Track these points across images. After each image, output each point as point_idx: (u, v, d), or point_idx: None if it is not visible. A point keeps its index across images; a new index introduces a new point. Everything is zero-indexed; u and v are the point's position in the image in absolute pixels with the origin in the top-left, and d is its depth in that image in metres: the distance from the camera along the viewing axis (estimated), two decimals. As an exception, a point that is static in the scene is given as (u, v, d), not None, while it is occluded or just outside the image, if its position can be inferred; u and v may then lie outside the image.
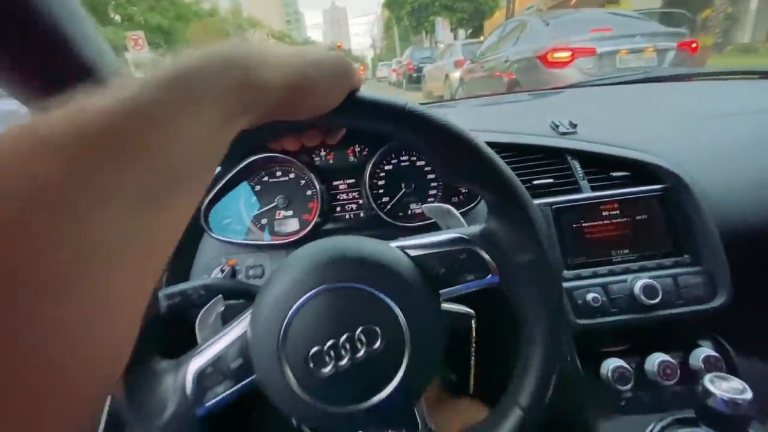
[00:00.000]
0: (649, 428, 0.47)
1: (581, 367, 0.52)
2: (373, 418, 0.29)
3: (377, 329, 0.28)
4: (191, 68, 0.18)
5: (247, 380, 0.31)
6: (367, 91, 0.28)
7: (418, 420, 0.34)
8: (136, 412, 0.29)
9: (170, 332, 0.42)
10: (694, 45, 3.33)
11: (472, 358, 0.54)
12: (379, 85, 19.61)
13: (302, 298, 0.28)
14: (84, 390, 0.14)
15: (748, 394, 0.37)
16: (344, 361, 0.28)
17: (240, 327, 0.31)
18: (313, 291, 0.29)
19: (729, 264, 0.52)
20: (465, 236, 0.33)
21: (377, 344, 0.28)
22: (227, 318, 0.38)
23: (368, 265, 0.29)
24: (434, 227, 0.57)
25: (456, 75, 6.02)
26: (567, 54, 3.24)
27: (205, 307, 0.39)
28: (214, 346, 0.31)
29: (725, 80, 0.90)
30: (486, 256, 0.32)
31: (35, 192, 0.12)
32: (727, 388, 0.38)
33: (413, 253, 0.32)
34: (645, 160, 0.58)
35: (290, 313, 0.28)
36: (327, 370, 0.28)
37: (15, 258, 0.11)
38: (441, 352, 0.32)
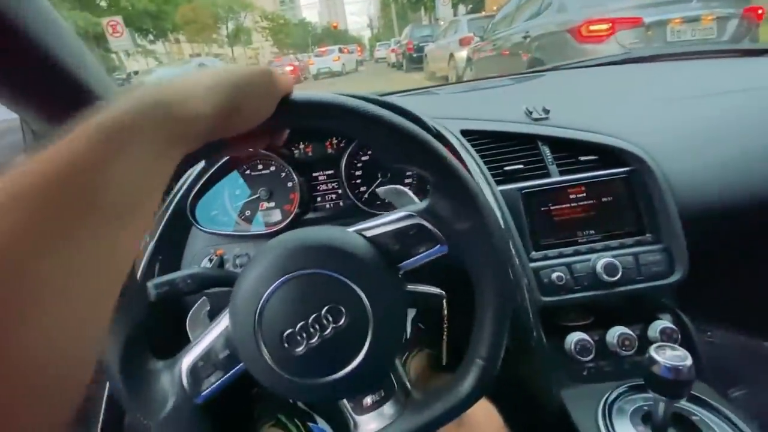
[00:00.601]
0: (606, 395, 0.52)
1: (546, 341, 0.56)
2: (346, 386, 0.33)
3: (341, 308, 0.32)
4: (115, 116, 0.20)
5: (236, 368, 0.35)
6: (300, 92, 0.30)
7: (395, 384, 0.38)
8: (139, 410, 0.33)
9: (163, 336, 0.46)
10: (760, 12, 2.74)
11: (445, 334, 0.58)
12: (378, 67, 18.90)
13: (271, 287, 0.32)
14: (48, 407, 0.16)
15: (688, 361, 0.41)
16: (315, 339, 0.32)
17: (223, 322, 0.35)
18: (280, 279, 0.32)
19: (687, 242, 0.55)
20: (412, 212, 0.35)
21: (342, 321, 0.32)
22: (214, 315, 0.41)
23: (326, 250, 0.33)
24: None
25: (462, 54, 5.67)
26: (606, 26, 2.66)
27: (193, 308, 0.42)
28: (203, 341, 0.35)
29: (704, 59, 0.91)
30: (432, 228, 0.35)
31: None
32: (669, 356, 0.42)
33: (369, 234, 0.35)
34: (611, 144, 0.60)
35: (261, 301, 0.32)
36: (300, 349, 0.32)
37: None
38: (404, 322, 0.35)
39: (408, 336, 0.87)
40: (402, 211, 0.36)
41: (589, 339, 0.56)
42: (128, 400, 0.33)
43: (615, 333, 0.56)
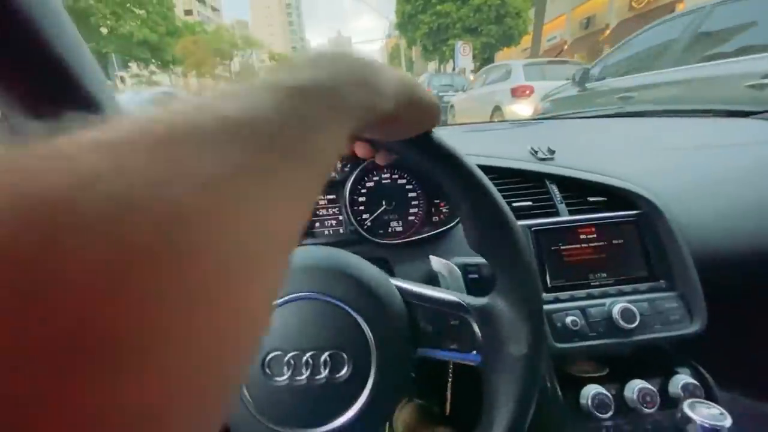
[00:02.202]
0: None
1: (561, 394, 0.52)
2: None
3: (345, 357, 0.28)
4: (317, 81, 0.18)
5: None
6: (435, 132, 0.29)
7: None
8: None
9: None
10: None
11: (449, 391, 0.53)
12: None
13: (286, 297, 0.28)
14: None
15: (728, 421, 0.38)
16: (302, 377, 0.28)
17: None
18: (299, 293, 0.29)
19: (704, 291, 0.54)
20: (465, 304, 0.32)
21: (341, 373, 0.28)
22: None
23: (362, 288, 0.30)
24: (414, 246, 0.58)
25: (516, 108, 4.75)
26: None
27: None
28: None
29: (692, 117, 0.96)
30: (478, 333, 0.32)
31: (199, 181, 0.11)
32: (706, 414, 0.39)
33: (408, 297, 0.32)
34: (619, 186, 0.61)
35: None
36: (282, 380, 0.28)
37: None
38: (400, 397, 0.31)
39: None
40: (454, 295, 0.33)
41: (607, 393, 0.51)
42: None
43: (634, 387, 0.52)
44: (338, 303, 0.29)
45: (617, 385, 0.53)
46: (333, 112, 0.17)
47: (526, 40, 15.25)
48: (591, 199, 0.62)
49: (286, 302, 0.29)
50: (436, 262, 0.43)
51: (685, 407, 0.39)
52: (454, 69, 15.95)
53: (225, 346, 0.12)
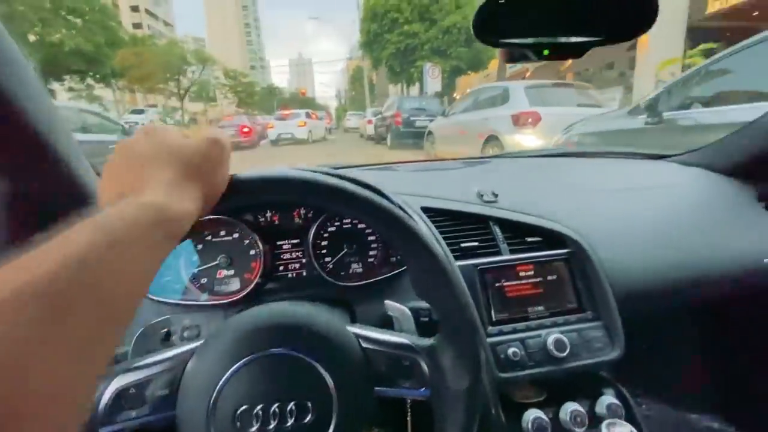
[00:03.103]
0: None
1: (504, 419, 0.58)
2: None
3: (309, 405, 0.32)
4: (116, 217, 0.22)
5: (164, 415, 0.33)
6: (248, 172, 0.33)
7: None
8: None
9: None
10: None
11: (408, 427, 0.58)
12: (350, 138, 17.04)
13: (248, 357, 0.32)
14: None
15: None
16: (270, 427, 0.31)
17: (180, 357, 0.34)
18: (260, 352, 0.32)
19: (623, 320, 0.63)
20: (414, 346, 0.37)
21: (306, 419, 0.32)
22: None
23: (320, 339, 0.34)
24: (373, 287, 0.63)
25: (524, 139, 4.09)
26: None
27: (151, 323, 0.40)
28: (147, 368, 0.34)
29: (622, 159, 1.12)
30: (426, 372, 0.37)
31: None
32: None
33: (365, 344, 0.37)
34: (552, 228, 0.70)
35: (234, 367, 0.31)
36: (251, 431, 0.31)
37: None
38: None
39: None
40: (405, 338, 0.38)
41: (545, 416, 0.59)
42: None
43: (568, 410, 0.59)
44: (299, 355, 0.33)
45: (554, 408, 0.61)
46: (128, 243, 0.22)
47: (492, 65, 15.49)
48: (528, 239, 0.71)
49: (251, 361, 0.33)
50: (390, 307, 0.49)
51: (603, 427, 0.46)
52: (421, 92, 15.77)
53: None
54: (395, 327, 0.48)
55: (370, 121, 13.08)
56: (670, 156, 1.06)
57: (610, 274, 0.67)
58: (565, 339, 0.61)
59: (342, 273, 0.66)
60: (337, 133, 21.69)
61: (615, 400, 0.61)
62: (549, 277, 0.68)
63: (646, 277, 0.71)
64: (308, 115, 14.78)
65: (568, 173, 1.03)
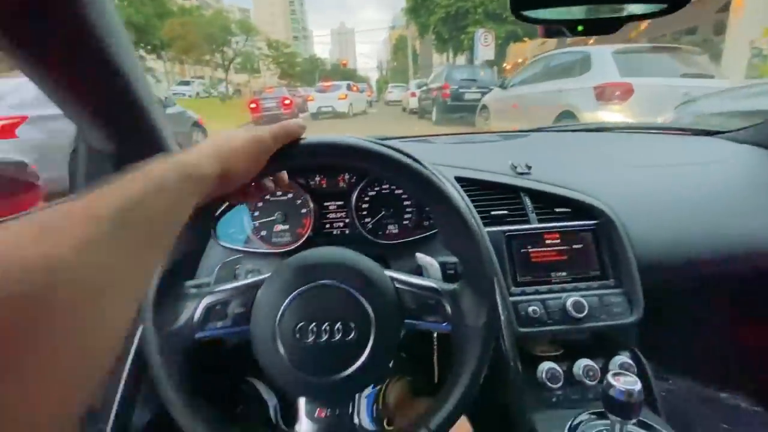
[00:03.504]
0: (571, 420, 0.60)
1: (521, 369, 0.65)
2: (328, 387, 0.41)
3: (352, 326, 0.41)
4: (157, 171, 0.30)
5: (240, 328, 0.43)
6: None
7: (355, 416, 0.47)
8: (154, 319, 0.41)
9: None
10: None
11: (435, 357, 0.66)
12: (392, 111, 16.26)
13: (306, 285, 0.41)
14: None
15: (638, 386, 0.51)
16: (323, 340, 0.41)
17: (251, 285, 0.44)
18: (318, 282, 0.42)
19: (643, 289, 0.67)
20: (440, 289, 0.45)
21: (350, 336, 0.41)
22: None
23: (363, 277, 0.43)
24: (407, 246, 0.71)
25: (608, 116, 3.36)
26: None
27: (228, 260, 0.51)
28: (228, 291, 0.44)
29: (657, 134, 1.09)
30: (449, 310, 0.44)
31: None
32: (623, 381, 0.52)
33: (397, 284, 0.45)
34: (582, 200, 0.74)
35: (295, 292, 0.41)
36: (308, 341, 0.41)
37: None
38: (393, 353, 0.44)
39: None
40: (431, 282, 0.46)
41: (559, 368, 0.65)
42: (149, 310, 0.41)
43: (581, 364, 0.65)
44: (346, 287, 0.42)
45: (568, 362, 0.67)
46: (162, 191, 0.29)
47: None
48: (558, 210, 0.75)
49: (312, 287, 0.42)
50: (420, 258, 0.56)
51: (609, 376, 0.52)
52: (471, 61, 14.28)
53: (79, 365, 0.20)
54: (423, 275, 0.56)
55: (413, 94, 12.27)
56: (722, 133, 1.02)
57: (637, 246, 0.71)
58: (584, 301, 0.66)
59: (379, 232, 0.74)
60: (378, 106, 20.69)
61: (628, 360, 0.66)
62: (574, 246, 0.72)
63: (671, 252, 0.73)
64: (349, 87, 14.35)
65: (608, 148, 1.03)
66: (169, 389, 0.40)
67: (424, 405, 0.76)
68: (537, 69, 4.87)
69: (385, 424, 0.77)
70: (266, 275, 0.45)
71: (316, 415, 0.45)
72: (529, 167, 0.83)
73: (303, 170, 0.73)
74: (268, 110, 12.46)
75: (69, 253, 0.20)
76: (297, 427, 0.45)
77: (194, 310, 0.43)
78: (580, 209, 0.75)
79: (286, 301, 0.41)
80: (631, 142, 1.08)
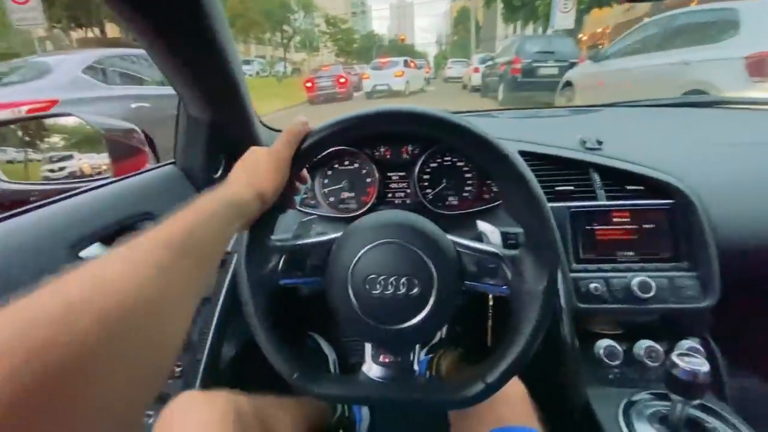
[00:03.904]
0: (628, 397, 0.60)
1: (579, 344, 0.66)
2: (393, 336, 0.46)
3: (416, 281, 0.45)
4: (209, 202, 0.36)
5: (315, 278, 0.50)
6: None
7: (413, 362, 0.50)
8: (247, 264, 0.47)
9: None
10: None
11: (489, 323, 0.69)
12: (449, 89, 15.37)
13: (379, 241, 0.46)
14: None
15: (705, 367, 0.50)
16: (389, 292, 0.45)
17: (328, 241, 0.50)
18: (388, 239, 0.47)
19: (720, 273, 0.63)
20: (500, 254, 0.47)
21: (413, 291, 0.45)
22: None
23: (427, 238, 0.47)
24: (465, 217, 0.73)
25: (762, 95, 2.34)
26: None
27: (305, 219, 0.58)
28: (307, 245, 0.51)
29: (744, 110, 0.97)
30: (509, 274, 0.47)
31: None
32: (689, 361, 0.51)
33: (459, 247, 0.48)
34: (657, 177, 0.70)
35: (367, 246, 0.46)
36: (376, 292, 0.46)
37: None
38: (451, 311, 0.47)
39: (443, 336, 0.98)
40: (493, 247, 0.48)
41: (618, 346, 0.65)
42: (246, 258, 0.48)
43: (642, 345, 0.65)
44: (411, 246, 0.46)
45: (628, 343, 0.66)
46: (211, 219, 0.35)
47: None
48: (629, 187, 0.72)
49: (381, 244, 0.46)
50: (481, 225, 0.59)
51: (673, 356, 0.51)
52: (544, 30, 12.53)
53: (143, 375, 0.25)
54: (484, 241, 0.58)
55: (476, 70, 11.10)
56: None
57: (718, 229, 0.66)
58: (651, 282, 0.64)
59: (439, 203, 0.77)
60: (435, 83, 19.77)
61: (696, 345, 0.64)
62: (645, 225, 0.70)
63: (756, 239, 0.67)
64: (406, 64, 13.48)
65: (688, 124, 0.94)
66: (257, 321, 0.48)
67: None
68: (647, 34, 3.83)
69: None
70: (339, 234, 0.50)
71: (381, 359, 0.50)
72: (600, 142, 0.79)
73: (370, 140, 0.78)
74: (323, 89, 12.45)
75: (145, 274, 0.26)
76: (364, 368, 0.51)
77: (279, 260, 0.50)
78: (655, 188, 0.71)
79: (360, 253, 0.46)
80: (717, 118, 0.97)
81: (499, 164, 0.43)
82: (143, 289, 0.25)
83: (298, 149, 0.45)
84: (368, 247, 0.46)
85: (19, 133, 1.05)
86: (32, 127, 1.10)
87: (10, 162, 1.03)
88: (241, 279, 0.48)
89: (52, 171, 1.01)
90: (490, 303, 0.72)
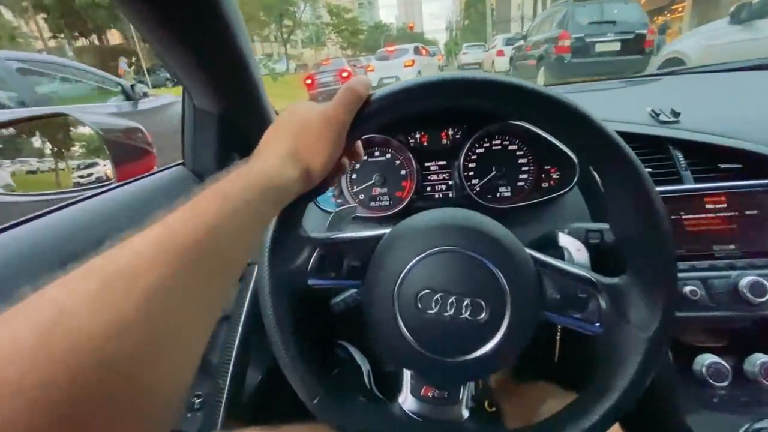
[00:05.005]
0: (744, 427, 0.49)
1: (673, 360, 0.55)
2: (444, 371, 0.36)
3: (484, 305, 0.35)
4: (234, 190, 0.27)
5: (351, 282, 0.41)
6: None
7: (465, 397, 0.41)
8: (271, 259, 0.39)
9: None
10: None
11: (558, 340, 0.59)
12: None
13: (435, 249, 0.36)
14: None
15: None
16: (447, 314, 0.36)
17: (372, 238, 0.41)
18: (449, 247, 0.36)
19: None
20: (597, 283, 0.37)
21: (480, 317, 0.35)
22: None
23: (503, 251, 0.36)
24: (522, 211, 0.62)
25: None
26: None
27: (342, 208, 0.49)
28: (346, 240, 0.42)
29: None
30: (606, 309, 0.36)
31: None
32: None
33: (540, 267, 0.38)
34: (758, 151, 0.58)
35: (423, 254, 0.36)
36: (430, 312, 0.36)
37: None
38: (524, 345, 0.37)
39: None
40: (586, 272, 0.37)
41: (724, 363, 0.53)
42: (270, 248, 0.39)
43: (756, 360, 0.53)
44: (482, 258, 0.36)
45: (735, 357, 0.55)
46: (239, 213, 0.27)
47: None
48: (722, 165, 0.60)
49: (440, 252, 0.36)
50: (564, 238, 0.47)
51: None
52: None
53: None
54: (565, 258, 0.47)
55: (500, 53, 10.11)
56: None
57: None
58: (765, 282, 0.53)
59: (489, 196, 0.67)
60: (452, 69, 18.99)
61: None
62: (747, 212, 0.58)
63: None
64: (417, 51, 11.99)
65: None
66: (275, 324, 0.39)
67: (529, 389, 0.70)
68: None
69: (486, 405, 0.73)
70: (385, 230, 0.41)
71: (422, 393, 0.41)
72: (677, 114, 0.67)
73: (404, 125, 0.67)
74: (324, 85, 11.00)
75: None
76: (400, 399, 0.42)
77: (310, 255, 0.41)
78: (756, 164, 0.59)
79: (411, 262, 0.37)
80: None
81: (606, 150, 0.33)
82: (127, 330, 0.19)
83: (358, 115, 0.35)
84: (425, 253, 0.37)
85: (45, 142, 1.04)
86: (60, 137, 1.10)
87: (31, 172, 1.02)
88: (261, 274, 0.39)
89: (81, 177, 1.01)
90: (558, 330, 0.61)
